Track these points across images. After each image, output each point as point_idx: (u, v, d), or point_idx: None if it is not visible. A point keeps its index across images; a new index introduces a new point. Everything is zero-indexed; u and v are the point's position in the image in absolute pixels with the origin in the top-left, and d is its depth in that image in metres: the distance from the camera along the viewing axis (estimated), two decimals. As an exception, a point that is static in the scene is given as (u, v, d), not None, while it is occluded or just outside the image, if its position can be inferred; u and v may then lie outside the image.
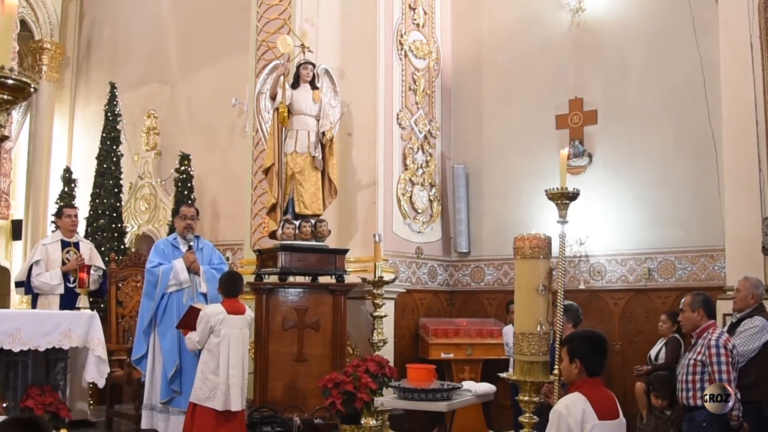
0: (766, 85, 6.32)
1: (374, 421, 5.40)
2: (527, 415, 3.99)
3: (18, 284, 7.13)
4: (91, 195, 9.12)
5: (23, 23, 10.61)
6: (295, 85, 6.90)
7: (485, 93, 8.47)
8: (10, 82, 2.48)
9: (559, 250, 4.38)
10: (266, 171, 6.84)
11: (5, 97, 2.51)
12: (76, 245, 7.25)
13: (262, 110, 7.17)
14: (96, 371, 5.83)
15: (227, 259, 7.98)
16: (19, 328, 5.29)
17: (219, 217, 9.15)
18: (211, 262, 6.51)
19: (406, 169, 7.90)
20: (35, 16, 10.84)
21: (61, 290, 6.96)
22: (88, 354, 5.86)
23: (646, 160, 7.37)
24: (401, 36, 7.97)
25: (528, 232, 4.10)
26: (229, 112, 8.81)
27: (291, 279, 6.70)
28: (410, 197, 7.93)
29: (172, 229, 7.98)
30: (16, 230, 10.85)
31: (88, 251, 7.29)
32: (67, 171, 9.32)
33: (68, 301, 6.86)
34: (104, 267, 7.32)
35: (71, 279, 7.00)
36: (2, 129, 2.70)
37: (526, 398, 3.97)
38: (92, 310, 6.21)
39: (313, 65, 6.99)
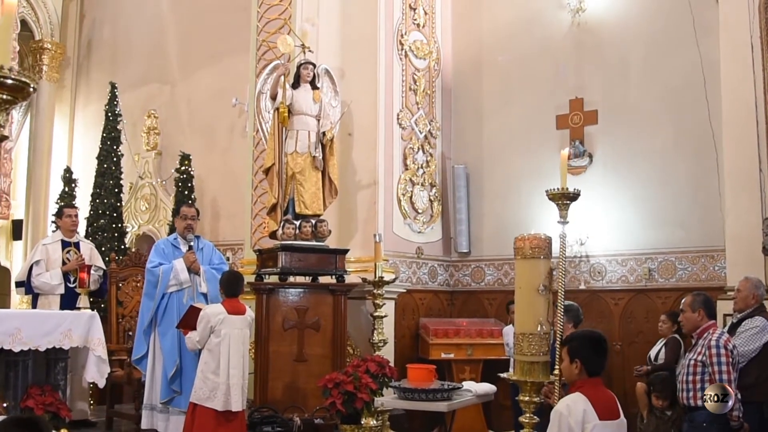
0: (767, 85, 6.32)
1: (374, 422, 5.40)
2: (527, 415, 3.99)
3: (18, 284, 7.13)
4: (92, 195, 9.12)
5: (24, 23, 10.61)
6: (295, 85, 6.90)
7: (486, 93, 8.47)
8: (10, 81, 2.48)
9: (559, 251, 4.38)
10: (267, 171, 6.83)
11: (5, 96, 2.51)
12: (77, 245, 7.25)
13: (263, 110, 7.18)
14: (96, 371, 5.82)
15: (227, 259, 7.98)
16: (19, 328, 5.29)
17: (219, 217, 9.15)
18: (212, 262, 6.50)
19: (407, 169, 7.90)
20: (36, 16, 10.84)
21: (62, 290, 6.97)
22: (88, 354, 5.86)
23: (647, 160, 7.37)
24: (402, 36, 7.97)
25: (528, 233, 4.09)
26: (229, 112, 8.81)
27: (291, 279, 6.70)
28: (410, 197, 7.93)
29: (172, 229, 7.98)
30: (17, 230, 10.86)
31: (89, 251, 7.29)
32: (68, 171, 9.33)
33: (68, 301, 6.86)
34: (104, 267, 7.32)
35: (71, 279, 7.00)
36: (2, 129, 2.70)
37: (527, 398, 3.97)
38: (92, 310, 6.21)
39: (314, 65, 6.99)
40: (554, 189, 4.34)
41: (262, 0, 7.84)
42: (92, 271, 6.94)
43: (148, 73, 10.08)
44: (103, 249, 8.24)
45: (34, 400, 5.36)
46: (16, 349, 5.28)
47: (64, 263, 7.08)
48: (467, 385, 6.24)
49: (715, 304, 5.06)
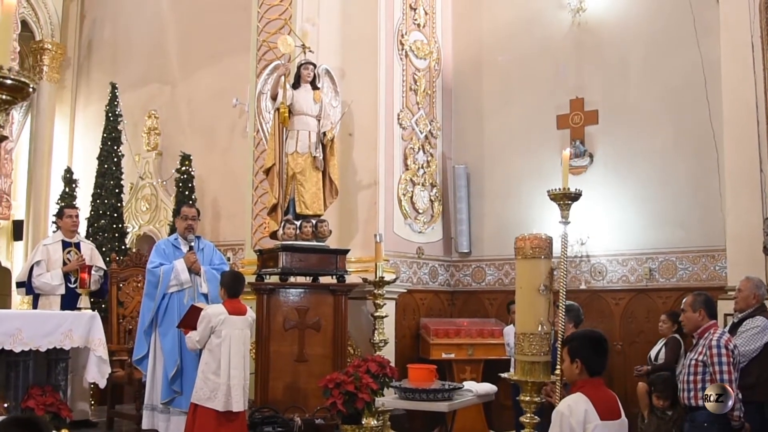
0: (767, 85, 6.32)
1: (375, 422, 5.40)
2: (528, 415, 3.99)
3: (19, 285, 7.13)
4: (92, 195, 9.13)
5: (24, 24, 10.60)
6: (296, 85, 6.91)
7: (486, 93, 8.47)
8: (9, 82, 2.48)
9: (561, 251, 4.37)
10: (267, 171, 6.84)
11: (4, 97, 2.51)
12: (77, 246, 7.25)
13: (263, 110, 7.18)
14: (97, 371, 5.82)
15: (228, 259, 7.97)
16: (20, 328, 5.29)
17: (220, 217, 9.15)
18: (212, 262, 6.50)
19: (407, 169, 7.90)
20: (36, 16, 10.84)
21: (62, 291, 6.97)
22: (89, 354, 5.85)
23: (647, 160, 7.37)
24: (402, 36, 7.97)
25: (529, 232, 4.09)
26: (229, 113, 8.81)
27: (292, 279, 6.70)
28: (411, 197, 7.93)
29: (173, 230, 7.98)
30: (17, 231, 10.85)
31: (89, 251, 7.29)
32: (68, 171, 9.33)
33: (69, 302, 6.86)
34: (105, 267, 7.32)
35: (72, 279, 7.01)
36: (2, 129, 2.70)
37: (527, 398, 3.97)
38: (93, 310, 6.21)
39: (314, 65, 7.00)
40: (556, 189, 4.34)
41: (263, 0, 7.84)
42: (93, 272, 6.95)
43: (148, 73, 10.08)
44: (103, 249, 8.24)
45: (34, 401, 5.36)
46: (17, 350, 5.27)
47: (64, 264, 7.08)
48: (468, 385, 6.24)
49: (715, 304, 5.05)
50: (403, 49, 7.97)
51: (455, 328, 7.68)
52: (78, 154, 10.89)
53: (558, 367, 4.01)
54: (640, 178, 7.40)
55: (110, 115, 9.28)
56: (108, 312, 7.15)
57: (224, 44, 9.11)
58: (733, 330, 5.31)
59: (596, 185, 7.41)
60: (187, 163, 8.92)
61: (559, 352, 3.89)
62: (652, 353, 6.56)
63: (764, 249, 6.10)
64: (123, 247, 8.89)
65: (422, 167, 8.07)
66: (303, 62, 6.93)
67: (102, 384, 5.99)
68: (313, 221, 6.74)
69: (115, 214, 9.02)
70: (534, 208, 7.68)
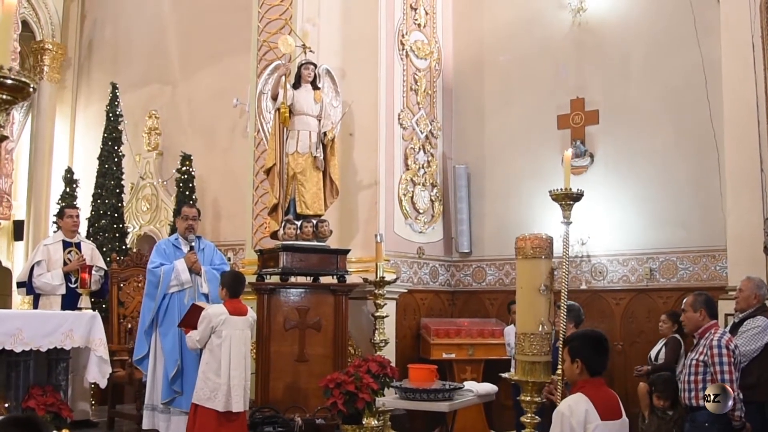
0: (768, 84, 6.33)
1: (376, 422, 5.40)
2: (529, 415, 3.99)
3: (20, 285, 7.14)
4: (93, 195, 9.13)
5: (25, 24, 10.61)
6: (296, 85, 6.91)
7: (486, 93, 8.47)
8: (9, 81, 2.48)
9: (562, 251, 4.37)
10: (268, 171, 6.84)
11: (4, 97, 2.51)
12: (78, 246, 7.26)
13: (264, 110, 7.18)
14: (98, 371, 5.83)
15: (228, 259, 7.98)
16: (20, 328, 5.29)
17: (220, 217, 9.15)
18: (213, 262, 6.50)
19: (408, 169, 7.90)
20: (36, 16, 10.84)
21: (63, 291, 6.98)
22: (89, 354, 5.86)
23: (648, 160, 7.37)
24: (402, 36, 7.97)
25: (529, 232, 4.09)
26: (230, 113, 8.81)
27: (292, 279, 6.70)
28: (412, 197, 7.93)
29: (173, 230, 7.98)
30: (18, 231, 10.85)
31: (90, 251, 7.30)
32: (69, 171, 9.34)
33: (70, 302, 6.87)
34: (106, 267, 7.33)
35: (73, 279, 7.01)
36: (3, 129, 2.70)
37: (528, 398, 3.97)
38: (94, 310, 6.22)
39: (315, 65, 7.00)
40: (558, 189, 4.33)
41: (263, 0, 7.84)
42: (93, 272, 6.96)
43: (148, 73, 10.08)
44: (104, 249, 8.24)
45: (35, 401, 5.37)
46: (18, 350, 5.28)
47: (65, 264, 7.08)
48: (468, 385, 6.23)
49: (716, 303, 5.05)
50: (403, 49, 7.97)
51: (456, 328, 7.68)
52: (78, 154, 10.90)
53: (559, 367, 4.01)
54: (640, 178, 7.39)
55: (111, 115, 9.28)
56: (108, 312, 7.16)
57: (225, 44, 9.12)
58: (734, 330, 5.31)
59: (597, 185, 7.40)
60: (187, 163, 8.93)
61: (560, 352, 3.89)
62: (653, 353, 6.56)
63: (765, 249, 6.10)
64: (123, 247, 8.90)
65: (423, 167, 8.07)
66: (303, 62, 6.93)
67: (102, 384, 6.00)
68: (314, 221, 6.74)
69: (116, 214, 9.02)
70: (534, 208, 7.68)
